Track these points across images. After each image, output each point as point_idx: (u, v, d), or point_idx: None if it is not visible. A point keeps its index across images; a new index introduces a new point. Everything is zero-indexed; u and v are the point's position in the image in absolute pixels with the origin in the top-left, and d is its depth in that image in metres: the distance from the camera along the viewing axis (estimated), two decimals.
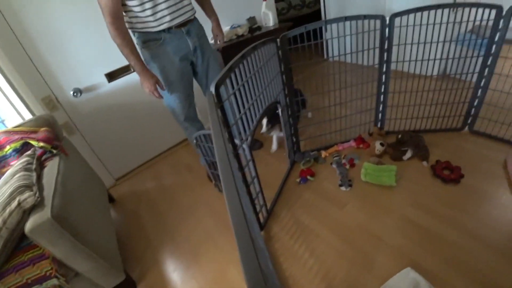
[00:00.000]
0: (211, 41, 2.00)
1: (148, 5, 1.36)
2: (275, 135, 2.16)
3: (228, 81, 1.18)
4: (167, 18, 1.43)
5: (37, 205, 1.03)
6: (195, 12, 1.59)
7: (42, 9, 1.65)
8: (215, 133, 0.82)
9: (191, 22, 1.57)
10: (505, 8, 1.46)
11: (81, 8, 1.78)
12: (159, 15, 1.40)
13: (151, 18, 1.40)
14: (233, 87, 1.22)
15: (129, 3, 1.33)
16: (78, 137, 1.99)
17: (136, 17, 1.40)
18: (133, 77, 2.13)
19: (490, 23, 1.52)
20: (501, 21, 1.48)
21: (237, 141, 1.28)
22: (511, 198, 1.43)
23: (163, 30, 1.46)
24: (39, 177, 1.21)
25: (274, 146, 2.20)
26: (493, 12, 1.48)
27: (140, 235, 1.75)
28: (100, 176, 1.92)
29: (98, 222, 1.35)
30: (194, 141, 1.64)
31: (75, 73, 1.87)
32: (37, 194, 1.06)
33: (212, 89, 1.07)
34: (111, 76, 2.02)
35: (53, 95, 1.82)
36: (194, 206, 1.87)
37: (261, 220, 1.57)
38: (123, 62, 2.04)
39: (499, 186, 1.50)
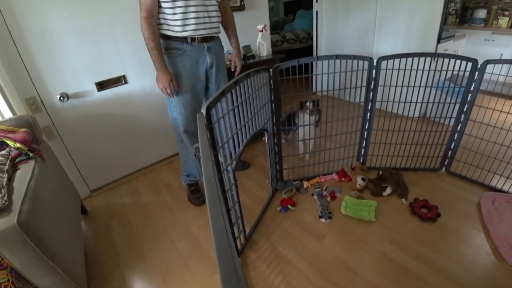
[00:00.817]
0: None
1: (179, 10, 1.47)
2: (301, 143, 2.26)
3: (219, 104, 1.20)
4: (193, 27, 1.52)
5: (3, 209, 0.97)
6: (219, 32, 1.69)
7: (39, 12, 1.65)
8: (203, 154, 0.81)
9: (214, 39, 1.67)
10: (480, 62, 1.59)
11: (79, 18, 1.79)
12: (186, 21, 1.50)
13: (178, 23, 1.49)
14: (223, 111, 1.24)
15: (164, 4, 1.45)
16: (58, 143, 1.92)
17: (166, 19, 1.50)
18: (123, 89, 2.12)
19: (467, 73, 1.64)
20: (476, 73, 1.61)
21: (221, 159, 1.27)
22: (483, 239, 1.47)
23: (186, 40, 1.55)
24: (10, 180, 1.15)
25: (301, 149, 2.30)
26: (469, 64, 1.61)
27: (109, 252, 1.65)
28: (76, 186, 1.84)
29: (67, 234, 1.28)
30: (194, 151, 1.63)
31: (64, 78, 1.84)
32: (5, 197, 1.00)
33: (203, 110, 1.08)
34: (101, 85, 2.00)
35: (38, 97, 1.78)
36: (169, 227, 1.80)
37: (239, 246, 1.53)
38: (115, 73, 2.05)
39: (473, 227, 1.55)
